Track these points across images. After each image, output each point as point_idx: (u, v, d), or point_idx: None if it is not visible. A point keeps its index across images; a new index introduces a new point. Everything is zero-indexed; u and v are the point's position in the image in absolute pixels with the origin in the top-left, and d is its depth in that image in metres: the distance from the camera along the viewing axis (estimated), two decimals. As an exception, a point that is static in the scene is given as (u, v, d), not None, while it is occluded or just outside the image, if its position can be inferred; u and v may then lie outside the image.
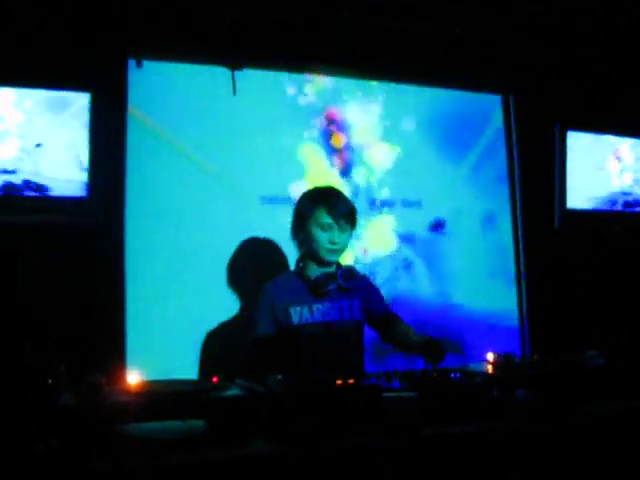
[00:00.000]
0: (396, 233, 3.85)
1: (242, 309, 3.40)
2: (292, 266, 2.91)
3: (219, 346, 3.33)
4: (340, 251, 2.79)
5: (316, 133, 3.73)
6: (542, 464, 2.09)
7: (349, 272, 2.80)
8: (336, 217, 2.73)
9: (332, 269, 2.80)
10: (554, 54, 3.99)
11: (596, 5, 3.58)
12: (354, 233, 2.89)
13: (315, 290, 2.75)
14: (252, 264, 3.43)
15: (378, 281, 3.56)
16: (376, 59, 3.73)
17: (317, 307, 2.75)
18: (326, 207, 2.73)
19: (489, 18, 3.71)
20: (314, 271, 2.78)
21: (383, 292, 3.04)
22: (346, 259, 3.24)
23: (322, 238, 2.73)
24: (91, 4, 3.19)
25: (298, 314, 2.72)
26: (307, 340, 2.69)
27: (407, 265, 3.86)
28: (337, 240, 2.73)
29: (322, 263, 2.78)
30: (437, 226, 3.93)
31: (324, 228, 2.72)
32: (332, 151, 3.76)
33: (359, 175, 3.80)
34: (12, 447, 1.79)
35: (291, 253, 2.97)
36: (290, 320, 2.71)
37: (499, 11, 3.64)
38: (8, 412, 1.90)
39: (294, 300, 2.73)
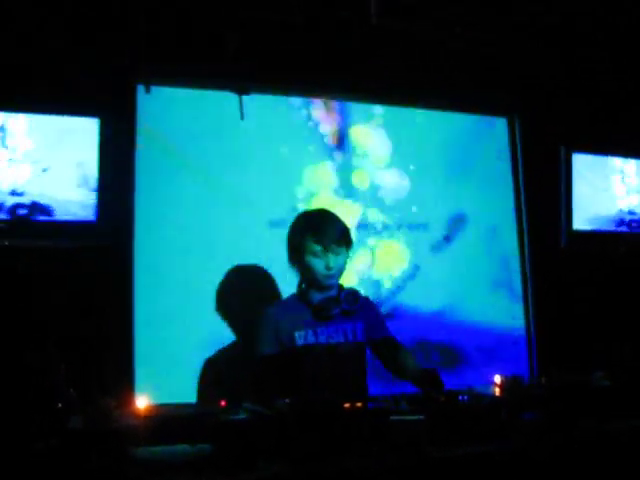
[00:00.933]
0: (402, 250, 3.85)
1: (241, 332, 3.38)
2: (292, 289, 2.91)
3: (218, 372, 3.32)
4: (338, 274, 2.78)
5: (325, 154, 3.75)
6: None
7: (352, 295, 2.80)
8: (327, 243, 2.71)
9: (334, 292, 2.80)
10: (559, 74, 4.01)
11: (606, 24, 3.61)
12: (358, 250, 2.88)
13: (319, 314, 2.75)
14: (250, 288, 3.43)
15: (383, 294, 3.59)
16: (382, 84, 3.75)
17: (322, 330, 2.75)
18: (316, 235, 2.71)
19: (494, 39, 3.74)
20: (316, 294, 2.79)
21: (388, 306, 3.02)
22: (350, 276, 3.24)
23: (317, 265, 2.72)
24: (100, 31, 3.23)
25: (303, 338, 2.72)
26: (311, 363, 2.68)
27: (412, 277, 3.86)
28: (332, 265, 2.72)
29: (321, 288, 2.78)
30: (443, 241, 3.93)
31: (317, 255, 2.71)
32: (340, 172, 3.78)
33: (367, 195, 3.81)
34: (22, 470, 1.80)
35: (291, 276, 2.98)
36: (294, 344, 2.70)
37: (504, 32, 3.67)
38: (19, 436, 1.91)
39: (298, 324, 2.73)
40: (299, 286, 2.84)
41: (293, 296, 2.86)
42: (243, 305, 3.36)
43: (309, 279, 2.78)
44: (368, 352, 2.88)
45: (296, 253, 2.77)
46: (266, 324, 2.75)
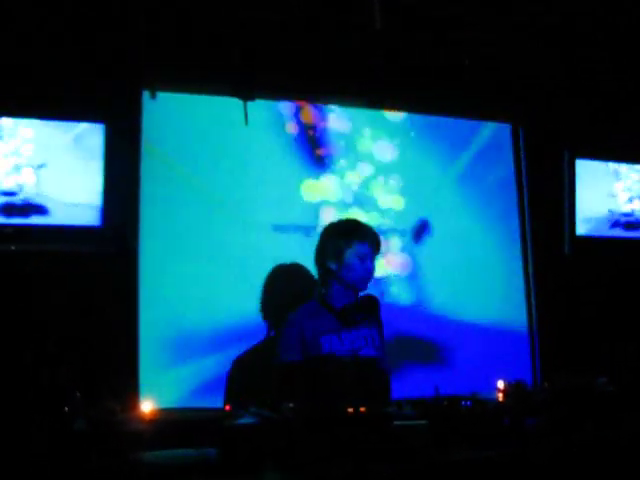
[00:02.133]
0: (402, 251, 3.87)
1: (267, 337, 3.40)
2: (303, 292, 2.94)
3: (245, 374, 3.34)
4: (372, 279, 2.90)
5: (326, 161, 3.76)
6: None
7: (372, 301, 2.88)
8: (372, 247, 2.87)
9: (353, 298, 2.87)
10: (563, 80, 4.02)
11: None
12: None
13: (344, 319, 2.81)
14: (285, 289, 3.45)
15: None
16: (382, 87, 3.75)
17: (345, 335, 2.80)
18: (363, 239, 2.86)
19: (496, 46, 3.75)
20: (338, 299, 2.85)
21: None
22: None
23: (361, 268, 2.84)
24: (106, 37, 3.24)
25: (329, 343, 2.76)
26: (336, 368, 2.73)
27: (412, 278, 3.88)
28: (371, 268, 2.86)
29: (355, 291, 2.87)
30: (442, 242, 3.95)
31: (362, 258, 2.84)
32: (342, 179, 3.79)
33: (369, 203, 3.83)
34: (28, 473, 1.81)
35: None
36: (320, 349, 2.75)
37: (504, 34, 3.67)
38: (25, 440, 1.93)
39: (324, 329, 2.78)
40: (318, 291, 2.91)
41: (314, 301, 2.92)
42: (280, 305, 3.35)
43: (345, 280, 2.84)
44: None
45: (341, 254, 2.85)
46: (291, 329, 2.80)
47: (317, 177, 3.74)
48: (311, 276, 3.20)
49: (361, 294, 2.89)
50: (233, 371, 3.36)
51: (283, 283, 3.47)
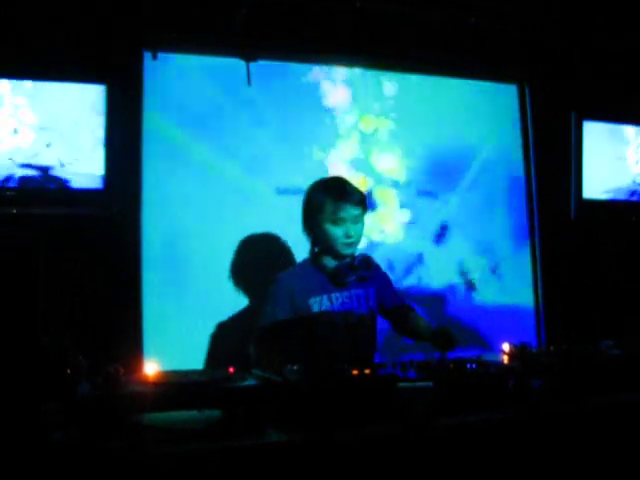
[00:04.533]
0: (410, 222, 3.84)
1: (252, 301, 3.39)
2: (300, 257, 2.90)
3: (228, 337, 3.34)
4: (356, 243, 2.77)
5: (334, 123, 3.72)
6: (555, 453, 2.09)
7: (367, 261, 2.80)
8: (348, 210, 2.69)
9: (348, 258, 2.78)
10: (571, 41, 3.95)
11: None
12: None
13: (335, 280, 2.75)
14: (261, 257, 3.43)
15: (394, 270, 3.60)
16: (390, 47, 3.70)
17: (336, 297, 2.75)
18: (337, 201, 2.69)
19: (503, 5, 3.68)
20: (330, 260, 2.77)
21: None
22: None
23: (337, 233, 2.70)
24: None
25: (318, 304, 2.72)
26: (326, 329, 2.68)
27: (419, 257, 3.85)
28: (352, 233, 2.71)
29: (338, 257, 2.76)
30: (445, 227, 3.92)
31: (337, 223, 2.70)
32: (351, 140, 3.74)
33: (378, 165, 3.79)
34: (30, 437, 1.81)
35: (301, 242, 2.96)
36: (310, 310, 2.70)
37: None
38: (26, 403, 1.92)
39: (314, 290, 2.73)
40: (311, 251, 2.82)
41: (306, 261, 2.85)
42: (257, 272, 3.35)
43: (325, 247, 2.76)
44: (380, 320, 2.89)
45: (313, 220, 2.74)
46: (280, 290, 2.73)
47: (327, 140, 3.70)
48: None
49: (358, 253, 2.82)
50: (215, 334, 3.36)
51: (261, 249, 3.45)
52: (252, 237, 3.44)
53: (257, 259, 3.43)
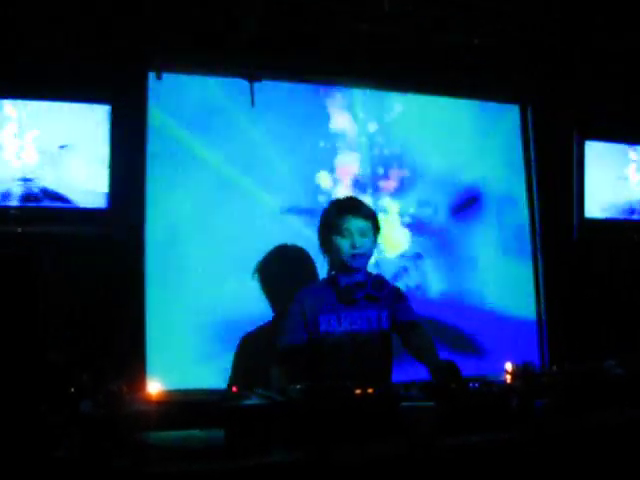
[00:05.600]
0: (410, 230, 3.85)
1: (274, 317, 3.39)
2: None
3: (250, 354, 3.34)
4: (364, 256, 2.81)
5: (336, 142, 3.74)
6: (559, 473, 2.08)
7: (379, 281, 2.84)
8: (352, 221, 2.76)
9: (362, 278, 2.81)
10: (573, 60, 3.96)
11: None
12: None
13: (344, 297, 2.77)
14: (285, 272, 3.44)
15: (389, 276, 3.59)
16: (391, 68, 3.72)
17: (345, 315, 2.77)
18: (342, 213, 2.79)
19: (505, 27, 3.70)
20: (344, 279, 2.81)
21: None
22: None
23: (343, 244, 2.76)
24: (112, 17, 3.21)
25: (326, 322, 2.75)
26: (332, 349, 2.71)
27: (419, 259, 3.84)
28: (358, 244, 2.75)
29: (348, 269, 2.79)
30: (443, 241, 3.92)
31: (343, 234, 2.76)
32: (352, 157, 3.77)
33: (381, 182, 3.81)
34: (32, 454, 1.81)
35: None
36: (318, 328, 2.74)
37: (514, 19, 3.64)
38: (29, 421, 1.93)
39: (323, 308, 2.76)
40: (328, 271, 2.90)
41: (323, 280, 2.93)
42: (283, 286, 3.36)
43: (337, 261, 2.81)
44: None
45: (326, 234, 2.82)
46: (293, 309, 2.80)
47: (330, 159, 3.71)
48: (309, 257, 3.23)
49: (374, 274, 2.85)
50: (239, 351, 3.36)
51: (285, 265, 3.46)
52: (286, 250, 3.46)
53: (277, 274, 3.45)
